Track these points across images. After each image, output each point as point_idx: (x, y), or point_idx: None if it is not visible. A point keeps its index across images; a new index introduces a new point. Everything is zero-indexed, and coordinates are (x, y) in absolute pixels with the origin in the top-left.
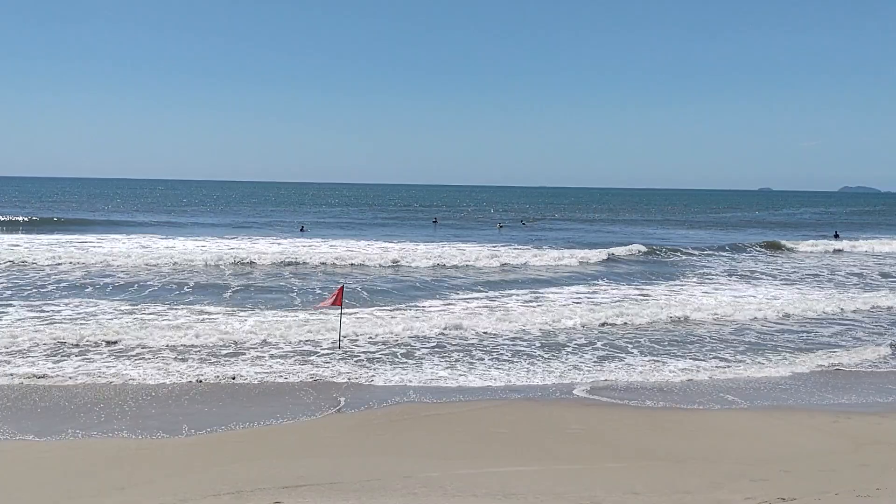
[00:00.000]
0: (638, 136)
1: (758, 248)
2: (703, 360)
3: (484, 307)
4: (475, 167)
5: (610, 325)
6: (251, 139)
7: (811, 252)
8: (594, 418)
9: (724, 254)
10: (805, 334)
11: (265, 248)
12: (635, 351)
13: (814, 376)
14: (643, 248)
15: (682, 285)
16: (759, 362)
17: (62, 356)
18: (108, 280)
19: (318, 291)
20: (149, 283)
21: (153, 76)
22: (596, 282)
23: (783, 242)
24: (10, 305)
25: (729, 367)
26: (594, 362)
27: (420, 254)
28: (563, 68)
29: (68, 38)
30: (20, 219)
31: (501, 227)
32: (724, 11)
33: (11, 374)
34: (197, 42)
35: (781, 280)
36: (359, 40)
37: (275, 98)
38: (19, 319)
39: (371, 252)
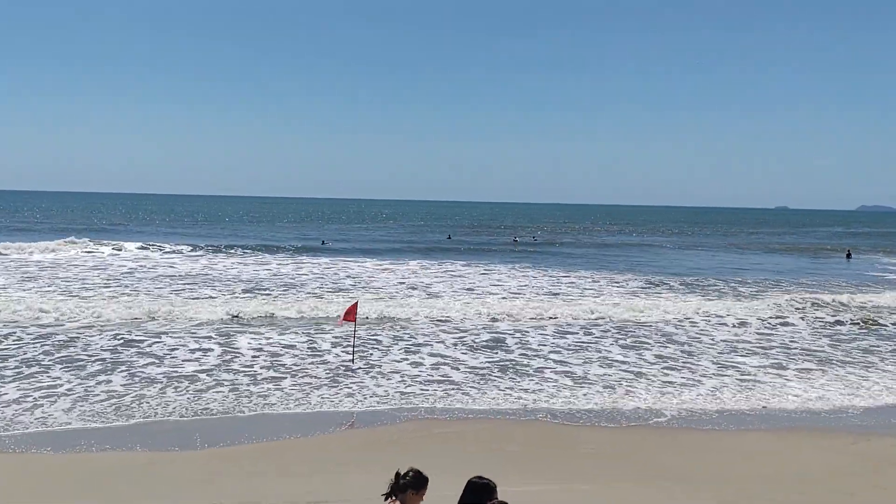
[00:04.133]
0: (651, 152)
1: None
2: None
3: None
4: (478, 184)
5: None
6: (257, 153)
7: None
8: (606, 438)
9: None
10: None
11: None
12: None
13: None
14: None
15: None
16: None
17: None
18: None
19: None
20: None
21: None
22: None
23: None
24: None
25: None
26: None
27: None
28: (567, 81)
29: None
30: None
31: (517, 241)
32: (740, 17)
33: None
34: (198, 47)
35: None
36: (365, 46)
37: (278, 110)
38: None
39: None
